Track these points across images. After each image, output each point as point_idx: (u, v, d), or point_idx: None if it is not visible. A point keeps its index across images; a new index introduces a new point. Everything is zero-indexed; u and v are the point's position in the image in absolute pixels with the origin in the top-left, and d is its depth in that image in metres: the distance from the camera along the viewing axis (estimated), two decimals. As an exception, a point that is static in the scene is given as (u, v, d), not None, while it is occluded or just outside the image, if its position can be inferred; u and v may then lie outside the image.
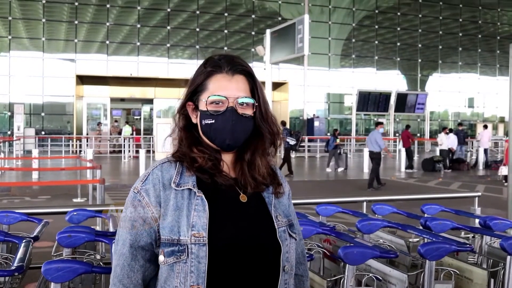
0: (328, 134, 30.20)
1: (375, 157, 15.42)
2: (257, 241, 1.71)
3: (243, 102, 1.75)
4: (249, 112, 1.76)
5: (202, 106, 1.76)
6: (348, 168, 20.71)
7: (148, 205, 1.70)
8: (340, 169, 20.01)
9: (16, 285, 3.14)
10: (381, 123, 16.47)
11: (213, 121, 1.74)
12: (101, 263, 3.15)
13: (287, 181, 1.94)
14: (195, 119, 1.80)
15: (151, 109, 32.00)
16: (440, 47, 39.99)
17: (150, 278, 1.74)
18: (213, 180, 1.73)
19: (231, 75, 1.77)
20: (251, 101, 1.77)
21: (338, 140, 20.27)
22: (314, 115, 33.57)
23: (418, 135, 35.96)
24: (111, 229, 3.51)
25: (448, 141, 21.07)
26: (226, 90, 1.75)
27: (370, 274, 2.77)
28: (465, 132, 26.54)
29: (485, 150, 22.49)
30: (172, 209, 1.69)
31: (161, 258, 1.69)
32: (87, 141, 26.76)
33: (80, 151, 26.12)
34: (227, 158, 1.80)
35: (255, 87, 1.81)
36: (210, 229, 1.65)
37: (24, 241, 2.83)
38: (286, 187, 1.90)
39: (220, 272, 1.65)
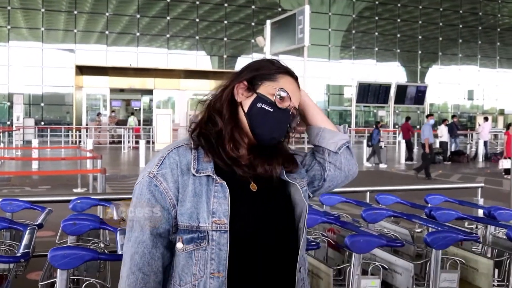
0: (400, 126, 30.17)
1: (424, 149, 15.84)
2: (274, 230, 1.72)
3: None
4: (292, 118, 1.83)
5: (264, 92, 1.76)
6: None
7: (167, 190, 1.67)
8: (382, 165, 18.96)
9: (20, 273, 3.14)
10: (431, 115, 16.62)
11: (272, 110, 1.74)
12: (105, 251, 3.14)
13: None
14: (241, 98, 1.78)
15: (151, 100, 31.96)
16: (440, 38, 39.95)
17: (165, 267, 1.72)
18: (232, 169, 1.71)
19: (298, 86, 1.84)
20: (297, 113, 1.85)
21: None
22: (313, 106, 33.51)
23: (418, 127, 35.95)
24: (115, 217, 3.50)
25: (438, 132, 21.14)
26: (292, 94, 1.78)
27: (376, 263, 2.77)
28: (459, 124, 26.49)
29: (485, 143, 22.48)
30: (191, 195, 1.66)
31: (179, 245, 1.67)
32: (86, 132, 26.73)
33: (80, 141, 26.11)
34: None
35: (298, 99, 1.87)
36: (231, 216, 1.64)
37: (29, 228, 2.82)
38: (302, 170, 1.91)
39: (240, 259, 1.65)
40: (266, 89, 1.75)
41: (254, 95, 1.75)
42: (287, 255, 1.73)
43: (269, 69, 1.78)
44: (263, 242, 1.69)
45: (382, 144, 19.68)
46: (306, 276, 1.85)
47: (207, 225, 1.63)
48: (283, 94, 1.74)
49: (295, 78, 1.82)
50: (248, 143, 1.77)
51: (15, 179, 13.48)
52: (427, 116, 16.37)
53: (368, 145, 19.89)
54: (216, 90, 1.82)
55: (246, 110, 1.75)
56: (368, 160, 19.36)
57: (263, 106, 1.74)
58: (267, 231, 1.70)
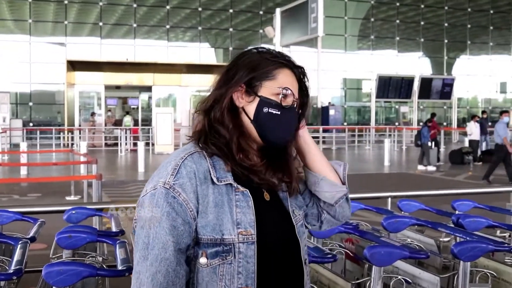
0: (397, 124, 30.03)
1: (497, 150, 15.53)
2: (285, 237, 1.80)
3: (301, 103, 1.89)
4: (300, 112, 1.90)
5: (267, 94, 1.80)
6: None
7: (187, 202, 1.67)
8: (431, 168, 18.67)
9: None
10: (506, 112, 16.37)
11: (279, 112, 1.78)
12: (104, 266, 3.18)
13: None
14: (241, 103, 1.81)
15: (150, 98, 32.05)
16: (469, 26, 39.80)
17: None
18: (249, 178, 1.76)
19: (295, 75, 1.87)
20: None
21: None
22: (329, 103, 33.49)
23: (445, 124, 35.85)
24: (114, 229, 3.54)
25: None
26: (292, 87, 1.83)
27: (399, 277, 2.79)
28: (490, 120, 26.35)
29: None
30: (212, 206, 1.69)
31: (203, 260, 1.68)
32: (79, 133, 26.86)
33: (73, 144, 26.24)
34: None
35: (304, 91, 1.92)
36: (257, 226, 1.70)
37: (20, 242, 2.87)
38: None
39: (266, 270, 1.71)
40: (268, 90, 1.79)
41: (257, 99, 1.80)
42: (295, 262, 1.84)
43: (266, 65, 1.81)
44: (283, 251, 1.78)
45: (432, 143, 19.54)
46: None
47: (233, 237, 1.67)
48: (287, 92, 1.80)
49: (290, 67, 1.86)
50: (257, 149, 1.82)
51: (1, 186, 13.55)
52: (501, 113, 16.05)
53: (416, 145, 19.85)
54: (210, 95, 1.84)
55: (251, 117, 1.79)
56: (420, 163, 18.99)
57: (269, 110, 1.78)
58: (283, 239, 1.79)
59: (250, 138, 1.80)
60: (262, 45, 1.85)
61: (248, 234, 1.68)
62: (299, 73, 1.88)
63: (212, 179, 1.71)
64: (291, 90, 1.80)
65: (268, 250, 1.72)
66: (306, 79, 1.91)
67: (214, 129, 1.79)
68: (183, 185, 1.68)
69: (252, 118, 1.79)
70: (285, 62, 1.84)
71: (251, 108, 1.80)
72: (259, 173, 1.79)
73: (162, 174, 1.71)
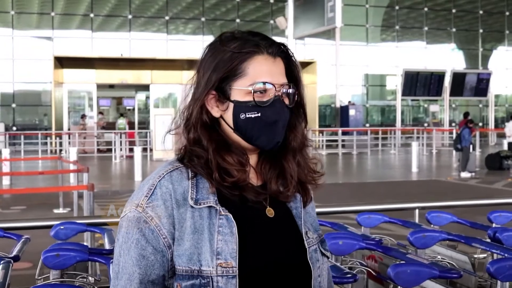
0: (426, 125, 29.79)
1: None
2: (288, 265, 1.71)
3: (288, 92, 1.75)
4: (288, 102, 1.76)
5: (239, 96, 1.71)
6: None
7: (159, 228, 1.64)
8: (468, 174, 18.60)
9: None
10: None
11: (259, 114, 1.70)
12: (95, 288, 3.20)
13: None
14: (218, 111, 1.74)
15: (147, 98, 32.16)
16: (507, 13, 39.67)
17: None
18: (242, 196, 1.70)
19: (273, 57, 1.75)
20: (293, 90, 1.76)
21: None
22: (349, 102, 33.49)
23: (480, 124, 35.72)
24: (107, 246, 3.55)
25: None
26: (271, 75, 1.72)
27: (428, 299, 2.79)
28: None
29: None
30: (190, 232, 1.65)
31: None
32: (69, 138, 26.92)
33: (61, 150, 26.32)
34: (252, 160, 1.78)
35: (294, 72, 1.80)
36: (240, 256, 1.63)
37: (2, 262, 2.89)
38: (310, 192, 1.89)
39: None
40: (240, 91, 1.72)
41: (231, 105, 1.73)
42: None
43: (231, 61, 1.72)
44: (275, 282, 1.69)
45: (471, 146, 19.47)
46: None
47: (211, 269, 1.62)
48: (261, 86, 1.70)
49: (263, 51, 1.74)
50: (251, 152, 1.76)
51: (-18, 198, 13.63)
52: None
53: (456, 149, 19.71)
54: (183, 109, 1.79)
55: (232, 125, 1.73)
56: (463, 169, 18.76)
57: (247, 115, 1.71)
58: (279, 268, 1.70)
59: (237, 146, 1.74)
60: (275, 39, 1.69)
61: (228, 266, 1.62)
62: (278, 53, 1.76)
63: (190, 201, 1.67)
64: (267, 82, 1.70)
65: (253, 284, 1.65)
66: (291, 56, 1.79)
67: (191, 150, 1.73)
68: (156, 208, 1.65)
69: (232, 127, 1.73)
70: (254, 49, 1.73)
71: (228, 116, 1.73)
72: (255, 188, 1.73)
73: (138, 194, 1.69)
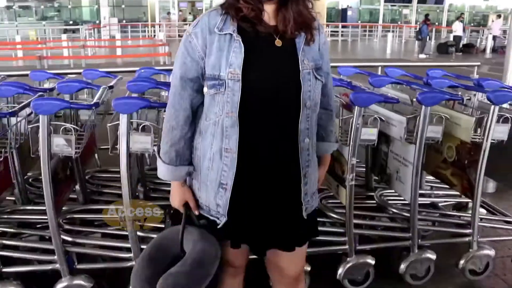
0: (399, 22, 28.77)
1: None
2: (283, 79, 1.69)
3: None
4: None
5: None
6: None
7: (196, 46, 1.68)
8: (424, 56, 18.32)
9: (98, 122, 3.28)
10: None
11: None
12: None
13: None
14: None
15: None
16: None
17: (197, 105, 1.77)
18: (255, 28, 1.67)
19: None
20: None
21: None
22: (348, 5, 32.50)
23: (437, 23, 34.03)
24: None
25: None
26: None
27: (375, 115, 2.77)
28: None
29: (494, 37, 21.34)
30: (216, 50, 1.66)
31: (205, 89, 1.71)
32: (159, 27, 26.65)
33: (154, 35, 26.11)
34: (269, 9, 1.70)
35: None
36: (244, 68, 1.64)
37: (102, 87, 2.92)
38: (322, 38, 1.81)
39: (250, 103, 1.66)
40: None
41: None
42: (292, 103, 1.70)
43: None
44: (270, 90, 1.68)
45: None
46: (313, 147, 1.83)
47: (225, 75, 1.65)
48: None
49: None
50: (267, 2, 1.68)
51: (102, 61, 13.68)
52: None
53: (417, 39, 19.79)
54: None
55: None
56: (421, 52, 18.68)
57: None
58: (275, 81, 1.68)
59: None
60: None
61: (235, 73, 1.64)
62: None
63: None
64: None
65: (253, 88, 1.65)
66: None
67: None
68: (196, 34, 1.69)
69: None
70: None
71: None
72: (264, 23, 1.68)
73: (191, 25, 1.73)
